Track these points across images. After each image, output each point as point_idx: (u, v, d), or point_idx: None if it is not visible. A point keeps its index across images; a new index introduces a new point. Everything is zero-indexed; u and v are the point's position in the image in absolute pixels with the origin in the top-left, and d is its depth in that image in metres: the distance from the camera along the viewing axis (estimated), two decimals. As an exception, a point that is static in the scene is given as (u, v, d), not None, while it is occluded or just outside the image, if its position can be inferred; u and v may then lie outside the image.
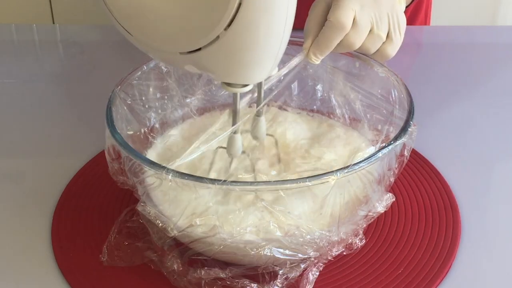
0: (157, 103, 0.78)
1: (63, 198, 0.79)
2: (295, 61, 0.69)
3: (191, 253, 0.65)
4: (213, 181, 0.59)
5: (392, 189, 0.69)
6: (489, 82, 1.04)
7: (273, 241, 0.62)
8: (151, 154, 0.76)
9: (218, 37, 0.56)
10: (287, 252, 0.62)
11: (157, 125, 0.78)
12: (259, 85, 0.68)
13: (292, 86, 0.82)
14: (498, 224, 0.76)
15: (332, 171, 0.59)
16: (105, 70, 1.08)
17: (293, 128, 0.80)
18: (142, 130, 0.76)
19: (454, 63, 1.09)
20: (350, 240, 0.66)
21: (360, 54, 0.75)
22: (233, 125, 0.67)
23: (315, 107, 0.83)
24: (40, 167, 0.85)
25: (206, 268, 0.64)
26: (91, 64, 1.12)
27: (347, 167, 0.60)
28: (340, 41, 0.68)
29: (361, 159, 0.61)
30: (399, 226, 0.74)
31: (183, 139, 0.79)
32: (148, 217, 0.64)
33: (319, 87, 0.82)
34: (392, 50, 0.72)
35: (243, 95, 0.68)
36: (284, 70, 0.69)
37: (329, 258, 0.65)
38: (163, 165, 0.61)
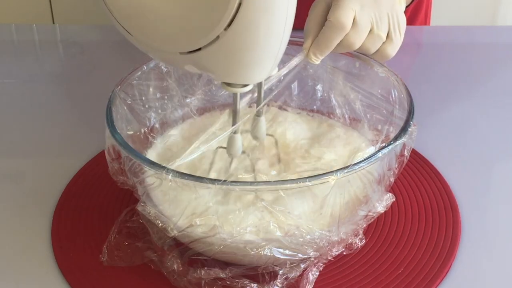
0: (157, 103, 0.78)
1: (63, 198, 0.79)
2: (295, 61, 0.69)
3: (191, 253, 0.65)
4: (213, 181, 0.59)
5: (392, 189, 0.69)
6: (489, 82, 1.04)
7: (273, 241, 0.62)
8: (151, 154, 0.76)
9: (218, 37, 0.56)
10: (287, 252, 0.62)
11: (157, 125, 0.78)
12: (259, 85, 0.68)
13: (292, 86, 0.82)
14: (498, 224, 0.76)
15: (332, 171, 0.59)
16: (105, 70, 1.08)
17: (293, 128, 0.80)
18: (142, 130, 0.76)
19: (454, 63, 1.09)
20: (350, 240, 0.66)
21: (360, 54, 0.75)
22: (233, 125, 0.67)
23: (315, 107, 0.83)
24: (40, 167, 0.85)
25: (206, 268, 0.64)
26: (91, 64, 1.12)
27: (347, 167, 0.60)
28: (340, 41, 0.68)
29: (361, 159, 0.61)
30: (399, 226, 0.74)
31: (183, 139, 0.79)
32: (148, 217, 0.64)
33: (319, 87, 0.82)
34: (392, 50, 0.72)
35: (243, 95, 0.68)
36: (284, 70, 0.69)
37: (329, 258, 0.65)
38: (163, 165, 0.61)
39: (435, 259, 0.70)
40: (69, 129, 0.93)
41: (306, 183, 0.59)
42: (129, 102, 0.74)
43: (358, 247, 0.66)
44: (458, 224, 0.74)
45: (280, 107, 0.83)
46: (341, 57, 0.77)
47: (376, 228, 0.74)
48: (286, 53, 0.61)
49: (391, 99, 0.74)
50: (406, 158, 0.67)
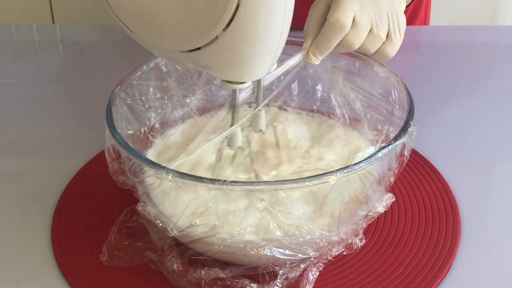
0: (157, 103, 0.78)
1: (63, 198, 0.79)
2: (293, 60, 0.69)
3: (191, 253, 0.65)
4: (213, 181, 0.59)
5: (392, 189, 0.69)
6: (489, 82, 1.04)
7: (273, 241, 0.62)
8: (151, 154, 0.76)
9: (217, 37, 0.56)
10: (287, 252, 0.62)
11: (157, 125, 0.78)
12: (259, 82, 0.68)
13: (292, 86, 0.82)
14: (498, 224, 0.76)
15: (332, 171, 0.59)
16: (105, 70, 1.08)
17: (293, 128, 0.80)
18: (142, 130, 0.76)
19: (454, 63, 1.09)
20: (350, 240, 0.66)
21: (360, 54, 0.75)
22: (232, 119, 0.68)
23: (315, 107, 0.83)
24: (40, 167, 0.85)
25: (206, 268, 0.64)
26: (91, 64, 1.12)
27: (347, 167, 0.60)
28: (340, 41, 0.68)
29: (361, 159, 0.61)
30: (399, 226, 0.74)
31: (183, 139, 0.79)
32: (148, 217, 0.64)
33: (319, 87, 0.82)
34: (392, 50, 0.72)
35: (242, 90, 0.69)
36: (283, 68, 0.69)
37: (329, 258, 0.65)
38: (163, 165, 0.61)
39: (435, 259, 0.70)
40: (69, 129, 0.93)
41: (306, 183, 0.59)
42: (129, 102, 0.74)
43: (358, 247, 0.66)
44: (458, 224, 0.74)
45: (280, 107, 0.83)
46: (341, 57, 0.77)
47: (376, 228, 0.74)
48: (286, 53, 0.61)
49: (391, 99, 0.74)
50: (406, 158, 0.67)
